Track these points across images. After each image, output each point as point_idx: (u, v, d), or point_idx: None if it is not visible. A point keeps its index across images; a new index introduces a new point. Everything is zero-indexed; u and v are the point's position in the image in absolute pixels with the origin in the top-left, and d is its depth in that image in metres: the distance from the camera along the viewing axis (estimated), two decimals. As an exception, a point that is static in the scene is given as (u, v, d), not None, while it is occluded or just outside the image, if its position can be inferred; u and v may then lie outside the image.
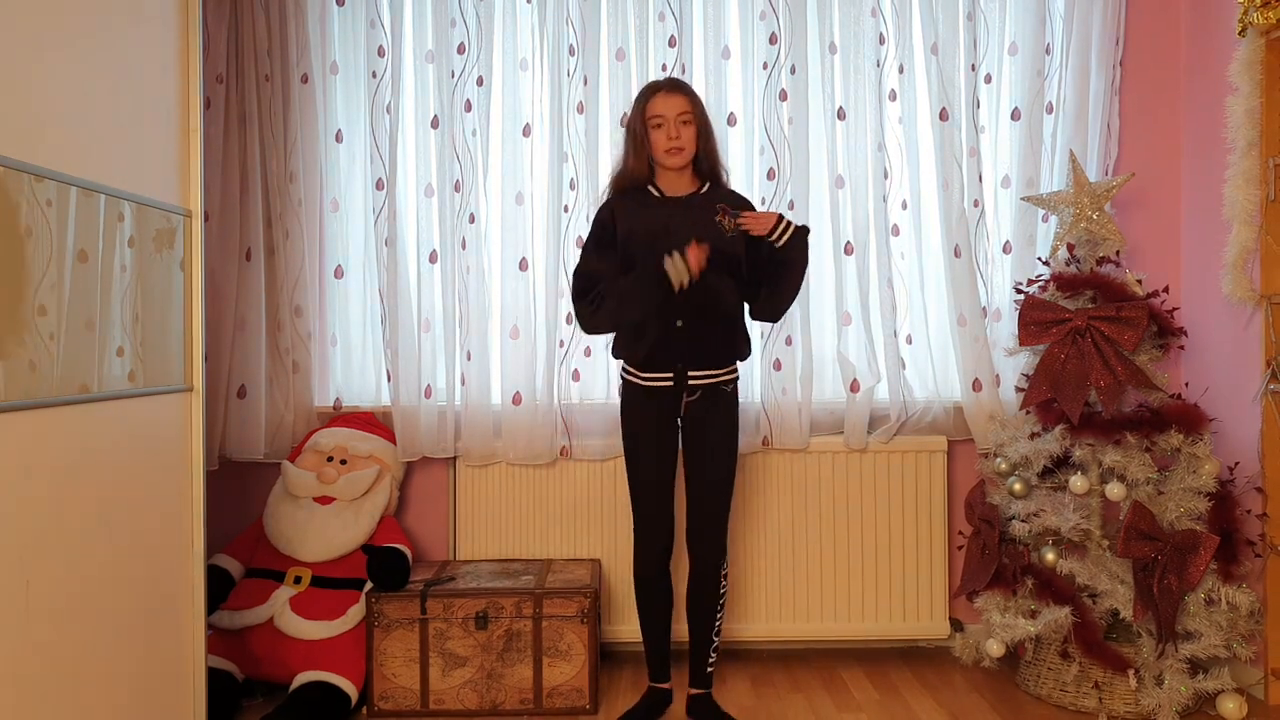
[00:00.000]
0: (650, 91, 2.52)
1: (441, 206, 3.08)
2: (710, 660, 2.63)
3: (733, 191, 2.63)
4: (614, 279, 2.54)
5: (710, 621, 2.61)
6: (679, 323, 2.48)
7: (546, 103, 3.08)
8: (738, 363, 2.61)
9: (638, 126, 2.51)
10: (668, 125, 2.47)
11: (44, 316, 1.73)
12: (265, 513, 2.95)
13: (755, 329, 3.10)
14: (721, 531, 2.59)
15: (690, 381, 2.53)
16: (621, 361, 2.63)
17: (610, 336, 2.70)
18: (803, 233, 2.52)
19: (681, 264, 2.38)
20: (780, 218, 2.49)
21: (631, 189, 2.56)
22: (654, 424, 2.57)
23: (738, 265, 2.53)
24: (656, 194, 2.54)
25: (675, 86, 2.51)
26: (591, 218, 3.03)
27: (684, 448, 2.60)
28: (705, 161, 2.54)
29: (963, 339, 3.09)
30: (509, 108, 3.10)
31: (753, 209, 2.60)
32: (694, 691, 2.64)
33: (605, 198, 2.62)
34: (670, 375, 2.53)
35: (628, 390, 2.60)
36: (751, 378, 3.11)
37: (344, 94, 3.17)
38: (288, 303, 3.10)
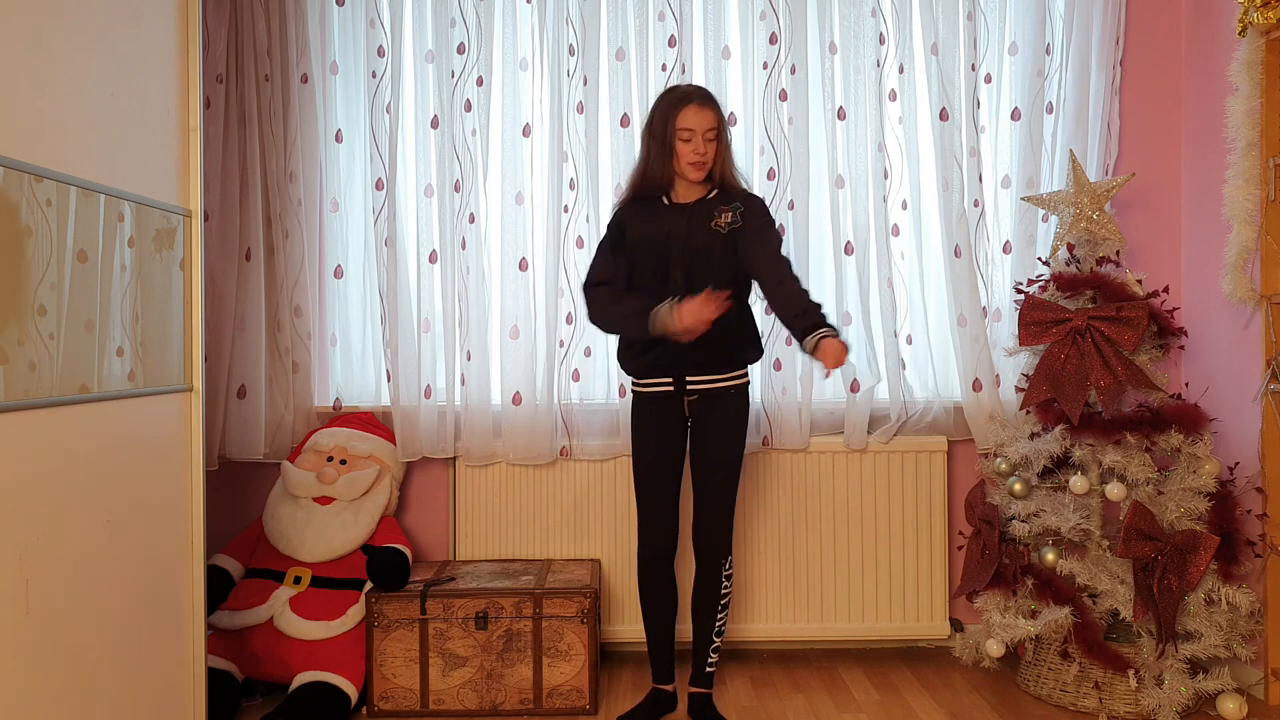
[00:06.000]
0: (682, 101, 2.46)
1: (441, 206, 3.08)
2: (710, 660, 2.63)
3: (741, 190, 2.59)
4: (628, 294, 2.53)
5: (711, 620, 2.61)
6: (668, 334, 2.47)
7: (546, 103, 3.08)
8: (747, 366, 2.60)
9: (666, 135, 2.48)
10: (695, 140, 2.46)
11: (44, 316, 1.73)
12: (265, 513, 2.95)
13: (762, 330, 3.11)
14: (725, 529, 2.59)
15: (689, 387, 2.55)
16: None
17: (614, 342, 2.72)
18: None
19: (668, 317, 2.35)
20: (841, 349, 2.27)
21: (645, 194, 2.56)
22: (658, 427, 2.59)
23: (737, 270, 2.51)
24: (666, 201, 2.56)
25: (706, 100, 2.48)
26: (591, 218, 3.05)
27: (690, 446, 2.61)
28: (718, 170, 2.53)
29: (963, 339, 3.09)
30: (509, 108, 3.10)
31: (757, 202, 2.58)
32: (694, 690, 2.65)
33: (621, 198, 2.63)
34: (669, 380, 2.55)
35: (633, 396, 2.65)
36: (752, 378, 3.10)
37: (344, 94, 3.17)
38: (287, 303, 3.09)
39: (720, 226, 2.50)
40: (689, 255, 2.50)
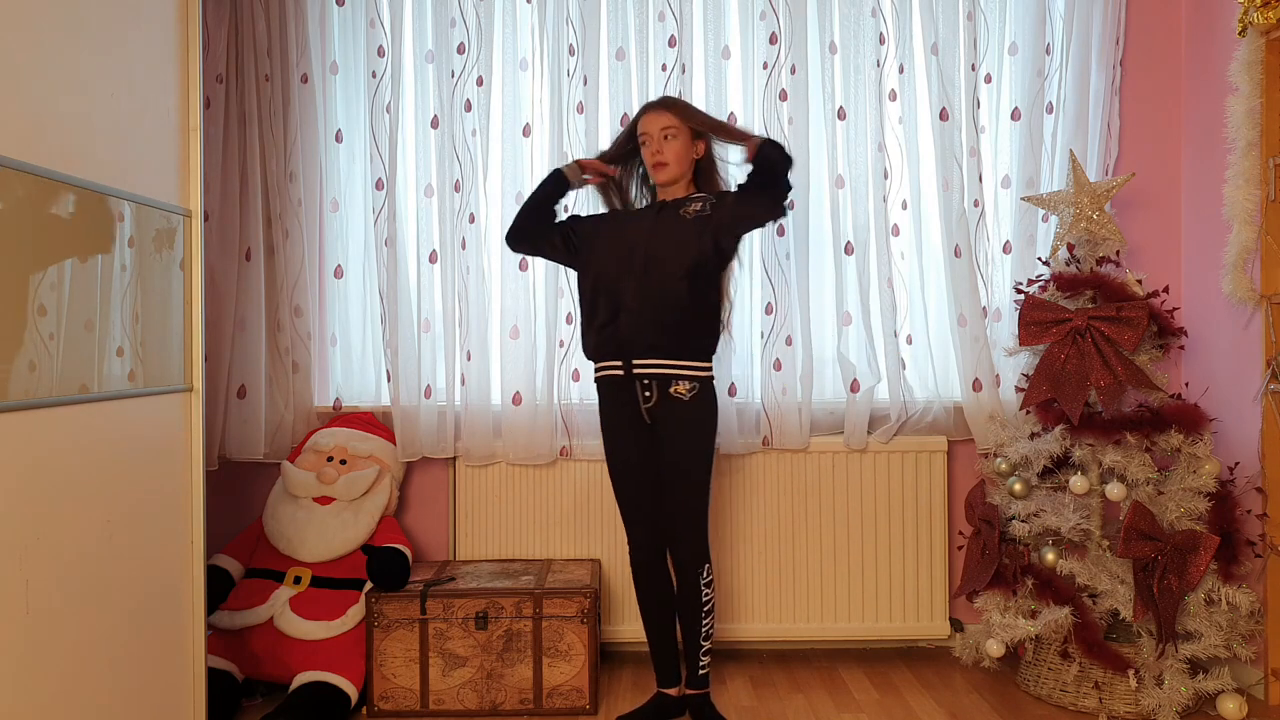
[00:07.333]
0: (641, 111, 2.61)
1: (441, 206, 3.08)
2: (702, 663, 2.60)
3: (716, 186, 2.65)
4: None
5: (696, 627, 2.57)
6: (621, 312, 2.50)
7: (546, 103, 3.08)
8: (703, 363, 2.52)
9: (628, 146, 2.64)
10: (652, 141, 2.55)
11: (44, 316, 1.74)
12: (265, 513, 2.95)
13: (745, 330, 3.10)
14: (698, 537, 2.54)
15: (636, 370, 2.51)
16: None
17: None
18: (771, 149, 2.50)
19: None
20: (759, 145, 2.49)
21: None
22: (620, 422, 2.58)
23: (700, 264, 2.49)
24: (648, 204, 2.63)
25: (663, 105, 2.58)
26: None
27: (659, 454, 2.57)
28: (704, 170, 2.59)
29: (963, 339, 3.09)
30: (509, 108, 3.10)
31: (731, 194, 2.61)
32: (690, 692, 2.64)
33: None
34: (619, 364, 2.53)
35: (597, 388, 2.64)
36: (752, 378, 3.11)
37: (344, 94, 3.17)
38: (287, 303, 3.10)
39: (688, 214, 2.53)
40: (647, 236, 2.52)
